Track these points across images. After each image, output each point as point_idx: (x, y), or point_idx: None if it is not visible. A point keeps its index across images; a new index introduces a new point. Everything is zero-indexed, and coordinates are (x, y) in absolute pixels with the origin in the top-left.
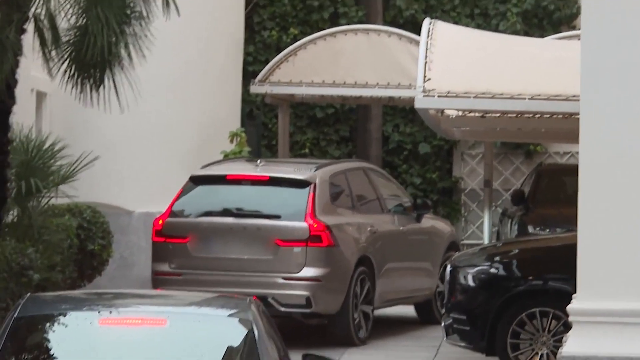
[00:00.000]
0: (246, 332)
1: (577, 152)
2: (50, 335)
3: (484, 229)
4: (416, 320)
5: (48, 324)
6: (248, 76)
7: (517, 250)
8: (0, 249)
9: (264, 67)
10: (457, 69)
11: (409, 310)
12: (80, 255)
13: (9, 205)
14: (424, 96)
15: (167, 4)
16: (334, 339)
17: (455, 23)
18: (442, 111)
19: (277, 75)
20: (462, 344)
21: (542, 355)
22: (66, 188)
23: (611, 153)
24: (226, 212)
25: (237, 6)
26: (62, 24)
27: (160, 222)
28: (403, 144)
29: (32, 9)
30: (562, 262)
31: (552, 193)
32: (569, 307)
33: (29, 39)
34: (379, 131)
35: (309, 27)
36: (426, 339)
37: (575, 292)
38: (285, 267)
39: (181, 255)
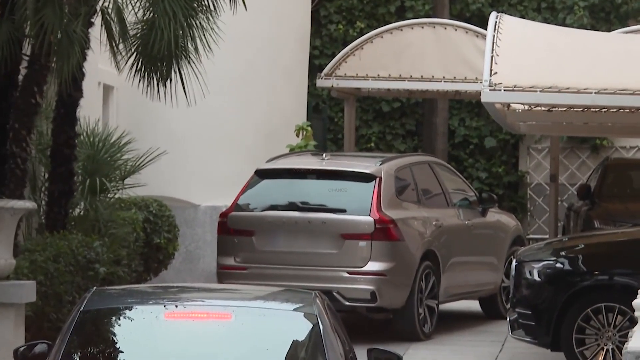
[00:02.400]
0: (311, 326)
1: None
2: (116, 329)
3: (549, 223)
4: (481, 315)
5: (114, 318)
6: (314, 70)
7: (582, 245)
8: (67, 243)
9: (330, 61)
10: (524, 62)
11: (473, 305)
12: (146, 248)
13: (76, 199)
14: (490, 90)
15: None
16: (398, 334)
17: (522, 17)
18: (509, 105)
19: (344, 69)
20: (527, 339)
21: (607, 351)
22: (133, 182)
23: None
24: (291, 206)
25: (304, 0)
26: (130, 17)
27: (226, 215)
28: (469, 137)
29: (100, 2)
30: (628, 257)
31: (618, 188)
32: (634, 302)
33: (96, 33)
34: (444, 125)
35: (375, 21)
36: (491, 334)
37: None
38: (350, 261)
39: (246, 249)
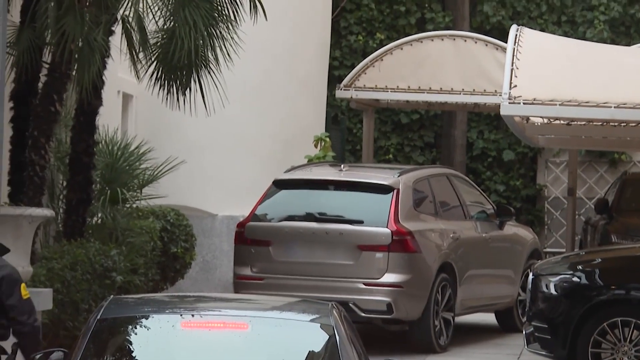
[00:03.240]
0: (328, 337)
1: None
2: (133, 338)
3: (566, 237)
4: (497, 328)
5: (130, 327)
6: (334, 81)
7: (599, 260)
8: (84, 251)
9: (349, 72)
10: (543, 76)
11: (489, 318)
12: (163, 257)
13: (94, 208)
14: (510, 103)
15: (255, 7)
16: (414, 346)
17: (542, 30)
18: (528, 118)
19: (363, 80)
20: (543, 353)
21: None
22: (152, 191)
23: None
24: (309, 217)
25: (324, 11)
26: (150, 26)
27: (243, 225)
28: (487, 150)
29: (121, 11)
30: None
31: (636, 202)
32: None
33: (117, 41)
34: (463, 137)
35: (395, 32)
36: (507, 347)
37: None
38: (367, 272)
39: (263, 260)
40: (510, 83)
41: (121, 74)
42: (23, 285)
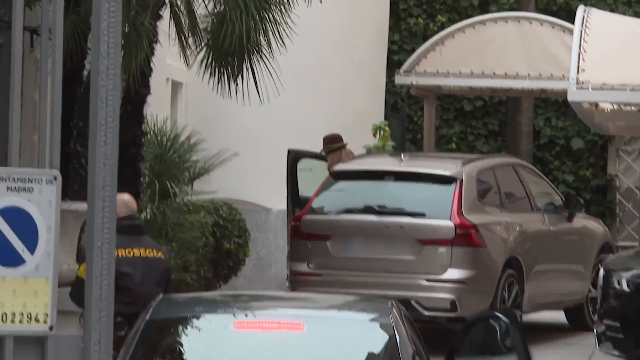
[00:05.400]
0: (387, 337)
1: None
2: (183, 339)
3: (639, 230)
4: (566, 326)
5: (181, 327)
6: (393, 66)
7: None
8: None
9: (409, 57)
10: (613, 59)
11: (559, 316)
12: (215, 254)
13: (143, 203)
14: (578, 88)
15: None
16: None
17: (612, 11)
18: (597, 104)
19: (423, 65)
20: (616, 353)
21: None
22: (202, 184)
23: None
24: (368, 210)
25: None
26: (200, 10)
27: (299, 219)
28: (555, 138)
29: None
30: None
31: None
32: None
33: (165, 26)
34: (529, 125)
35: (457, 14)
36: (577, 347)
37: None
38: (429, 268)
39: (320, 255)
40: (578, 67)
41: (170, 60)
42: None
